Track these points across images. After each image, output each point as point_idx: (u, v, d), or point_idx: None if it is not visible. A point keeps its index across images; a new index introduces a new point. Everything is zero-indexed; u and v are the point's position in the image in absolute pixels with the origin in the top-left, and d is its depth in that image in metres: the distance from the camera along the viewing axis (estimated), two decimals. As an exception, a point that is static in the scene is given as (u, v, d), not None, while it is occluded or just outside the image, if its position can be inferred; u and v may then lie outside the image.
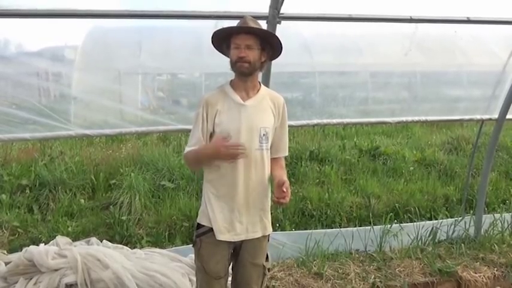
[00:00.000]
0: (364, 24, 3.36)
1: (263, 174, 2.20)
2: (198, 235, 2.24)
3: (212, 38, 2.15)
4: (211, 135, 2.17)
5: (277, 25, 2.87)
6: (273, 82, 3.08)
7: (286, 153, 2.34)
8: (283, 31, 2.89)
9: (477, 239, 4.10)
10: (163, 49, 3.33)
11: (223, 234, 2.17)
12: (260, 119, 2.17)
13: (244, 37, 2.08)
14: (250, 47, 2.08)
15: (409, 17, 3.20)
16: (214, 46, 2.20)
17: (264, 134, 2.17)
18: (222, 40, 2.16)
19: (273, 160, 2.27)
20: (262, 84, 2.27)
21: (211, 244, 2.19)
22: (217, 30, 2.13)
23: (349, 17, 3.10)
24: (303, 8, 3.00)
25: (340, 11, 3.06)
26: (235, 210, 2.17)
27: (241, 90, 2.17)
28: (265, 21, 2.87)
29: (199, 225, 2.24)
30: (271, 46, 2.17)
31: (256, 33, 2.10)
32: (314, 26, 3.39)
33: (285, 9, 2.85)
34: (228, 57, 2.15)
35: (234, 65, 2.11)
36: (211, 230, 2.18)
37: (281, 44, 2.17)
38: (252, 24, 2.10)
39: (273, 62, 2.99)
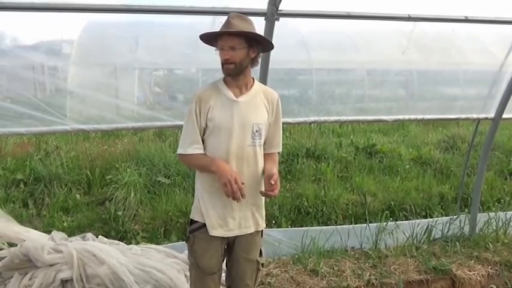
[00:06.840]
0: (362, 21, 3.35)
1: (256, 170, 2.20)
2: (191, 231, 2.24)
3: (201, 39, 2.14)
4: (205, 131, 2.16)
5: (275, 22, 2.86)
6: (270, 79, 3.07)
7: (280, 150, 2.33)
8: (281, 28, 2.89)
9: (472, 238, 4.12)
10: (160, 44, 3.30)
11: (216, 230, 2.17)
12: (253, 115, 2.16)
13: (227, 38, 2.06)
14: (233, 48, 2.06)
15: (407, 15, 3.19)
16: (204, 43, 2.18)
17: (256, 130, 2.17)
18: (210, 40, 2.14)
19: (266, 155, 2.26)
20: (256, 80, 2.25)
21: (205, 240, 2.19)
22: (202, 35, 2.12)
23: (347, 15, 3.09)
24: (301, 5, 2.99)
25: (339, 8, 3.06)
26: (228, 206, 2.17)
27: (234, 87, 2.17)
28: (263, 18, 2.86)
29: (192, 221, 2.25)
30: (257, 42, 2.13)
31: (237, 34, 2.06)
32: (311, 23, 3.38)
33: (283, 6, 2.84)
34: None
35: (222, 66, 2.11)
36: (204, 225, 2.18)
37: (266, 39, 2.16)
38: (237, 22, 2.06)
39: (271, 58, 3.00)
